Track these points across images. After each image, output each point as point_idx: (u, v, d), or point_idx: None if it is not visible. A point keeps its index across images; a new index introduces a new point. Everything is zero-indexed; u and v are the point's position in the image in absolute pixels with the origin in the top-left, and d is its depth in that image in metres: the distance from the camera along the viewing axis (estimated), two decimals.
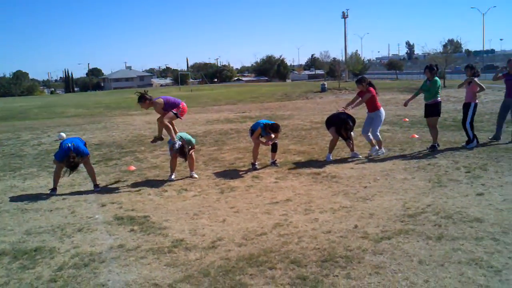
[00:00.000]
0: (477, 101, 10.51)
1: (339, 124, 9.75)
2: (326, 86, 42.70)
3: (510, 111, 10.94)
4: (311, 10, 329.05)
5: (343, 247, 5.08)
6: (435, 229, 5.47)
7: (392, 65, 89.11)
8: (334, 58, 75.74)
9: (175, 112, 8.81)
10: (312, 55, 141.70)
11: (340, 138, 9.96)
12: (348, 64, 71.13)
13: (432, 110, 10.33)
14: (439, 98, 10.30)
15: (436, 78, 10.27)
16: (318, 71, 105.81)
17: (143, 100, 8.75)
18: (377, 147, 10.17)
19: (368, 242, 5.20)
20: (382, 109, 10.15)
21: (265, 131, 9.37)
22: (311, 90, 42.36)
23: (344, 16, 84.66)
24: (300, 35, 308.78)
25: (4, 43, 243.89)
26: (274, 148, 9.73)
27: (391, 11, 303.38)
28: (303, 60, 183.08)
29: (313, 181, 8.28)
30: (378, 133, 10.07)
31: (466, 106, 10.54)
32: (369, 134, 10.14)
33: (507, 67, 11.21)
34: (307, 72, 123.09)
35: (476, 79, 10.37)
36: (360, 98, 10.26)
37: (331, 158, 9.89)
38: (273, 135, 9.45)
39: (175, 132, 8.80)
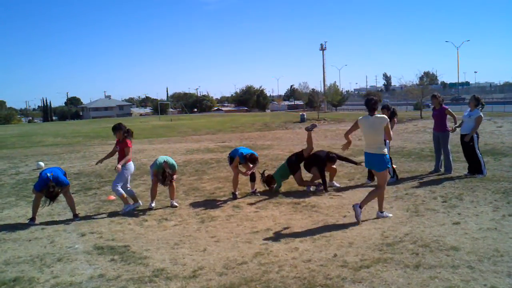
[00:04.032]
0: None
1: (321, 163, 9.84)
2: (305, 116, 43.31)
3: (442, 143, 11.21)
4: (290, 41, 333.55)
5: (323, 275, 5.14)
6: (413, 258, 5.56)
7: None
8: (313, 89, 77.10)
9: None
10: (291, 86, 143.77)
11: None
12: (326, 95, 72.23)
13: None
14: None
15: None
16: (297, 102, 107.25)
17: None
18: (131, 202, 8.97)
19: (347, 270, 5.26)
20: (130, 164, 8.91)
21: (244, 160, 9.51)
22: (290, 121, 42.82)
23: (322, 48, 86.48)
24: (279, 66, 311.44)
25: None
26: (252, 178, 9.82)
27: (368, 44, 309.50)
28: (282, 91, 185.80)
29: (293, 210, 8.35)
30: (119, 188, 8.69)
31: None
32: (124, 187, 8.82)
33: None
34: (286, 103, 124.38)
35: (395, 119, 10.71)
36: (128, 153, 8.80)
37: (311, 189, 9.97)
38: (251, 165, 9.60)
39: None
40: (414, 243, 6.12)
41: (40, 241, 7.03)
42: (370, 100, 7.60)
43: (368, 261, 5.50)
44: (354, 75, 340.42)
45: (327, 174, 10.10)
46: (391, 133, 7.53)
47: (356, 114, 53.12)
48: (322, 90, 77.69)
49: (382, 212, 7.62)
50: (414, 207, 8.08)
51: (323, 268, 5.38)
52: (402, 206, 8.18)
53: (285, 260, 5.73)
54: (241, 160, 9.54)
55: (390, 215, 7.61)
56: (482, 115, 10.59)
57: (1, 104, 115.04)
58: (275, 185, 10.17)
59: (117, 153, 8.98)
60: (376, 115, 7.48)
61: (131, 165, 8.96)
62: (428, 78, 53.08)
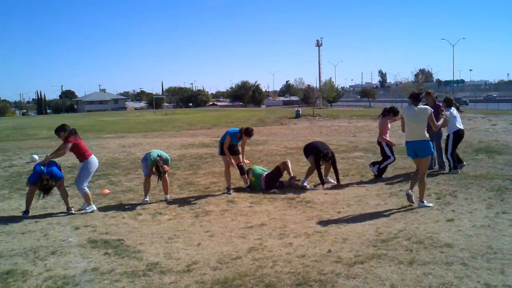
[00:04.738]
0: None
1: (317, 153, 9.82)
2: (300, 112, 43.32)
3: (435, 141, 11.20)
4: (286, 37, 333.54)
5: (317, 271, 5.14)
6: (407, 254, 5.57)
7: (365, 93, 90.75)
8: (309, 85, 76.91)
9: None
10: (287, 82, 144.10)
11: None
12: (322, 91, 72.26)
13: None
14: None
15: None
16: (292, 97, 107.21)
17: None
18: (88, 203, 8.46)
19: (341, 266, 5.26)
20: (92, 158, 8.63)
21: (238, 137, 9.47)
22: (285, 116, 42.81)
23: (318, 45, 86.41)
24: (275, 61, 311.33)
25: None
26: (242, 171, 9.81)
27: (364, 41, 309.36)
28: (278, 86, 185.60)
29: (287, 206, 8.35)
30: (84, 186, 8.44)
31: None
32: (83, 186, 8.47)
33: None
34: (282, 98, 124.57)
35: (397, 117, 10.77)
36: (63, 148, 8.55)
37: (306, 184, 9.94)
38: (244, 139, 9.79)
39: None
40: (408, 239, 6.13)
41: (34, 234, 7.00)
42: (414, 92, 8.29)
43: (362, 257, 5.51)
44: (350, 71, 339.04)
45: (322, 168, 10.08)
46: (435, 122, 8.01)
47: (351, 111, 53.23)
48: (318, 86, 77.66)
49: (423, 202, 7.87)
50: (409, 203, 8.09)
51: (317, 263, 5.38)
52: (397, 203, 8.20)
53: (279, 255, 5.73)
54: (233, 139, 9.50)
55: (431, 204, 7.89)
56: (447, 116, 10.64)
57: None
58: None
59: (72, 153, 8.56)
60: (420, 106, 7.88)
61: (94, 161, 8.69)
62: (424, 76, 53.30)
